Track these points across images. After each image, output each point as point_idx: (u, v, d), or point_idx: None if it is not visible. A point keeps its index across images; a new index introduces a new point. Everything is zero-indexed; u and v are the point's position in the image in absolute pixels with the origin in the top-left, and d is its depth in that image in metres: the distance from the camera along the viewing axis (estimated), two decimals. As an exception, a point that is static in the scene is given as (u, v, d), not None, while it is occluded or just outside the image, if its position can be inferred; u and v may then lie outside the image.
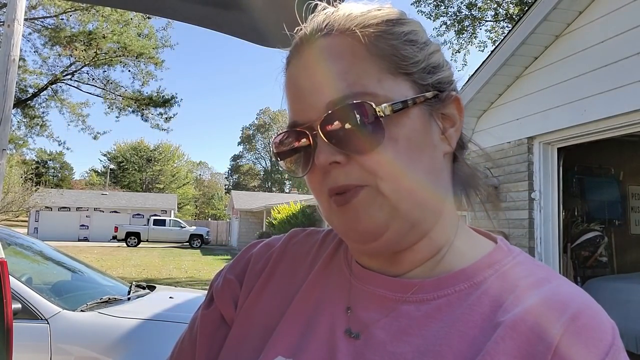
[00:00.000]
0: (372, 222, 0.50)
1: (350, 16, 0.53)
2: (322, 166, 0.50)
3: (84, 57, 17.12)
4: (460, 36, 18.89)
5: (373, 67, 0.51)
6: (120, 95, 18.55)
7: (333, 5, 0.56)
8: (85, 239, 33.21)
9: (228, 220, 38.44)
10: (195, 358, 0.62)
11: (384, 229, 0.51)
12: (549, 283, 0.50)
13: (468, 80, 5.45)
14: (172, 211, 35.86)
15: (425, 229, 0.53)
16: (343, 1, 0.57)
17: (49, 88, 17.96)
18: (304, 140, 0.52)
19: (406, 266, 0.55)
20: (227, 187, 65.66)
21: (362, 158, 0.50)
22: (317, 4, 0.56)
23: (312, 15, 0.56)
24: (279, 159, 0.57)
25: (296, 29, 0.57)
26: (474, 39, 19.15)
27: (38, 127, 18.62)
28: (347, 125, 0.49)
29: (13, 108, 3.51)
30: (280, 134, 0.55)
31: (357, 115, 0.49)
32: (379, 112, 0.49)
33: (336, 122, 0.50)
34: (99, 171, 57.79)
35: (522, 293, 0.49)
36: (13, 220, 32.63)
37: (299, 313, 0.58)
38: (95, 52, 17.06)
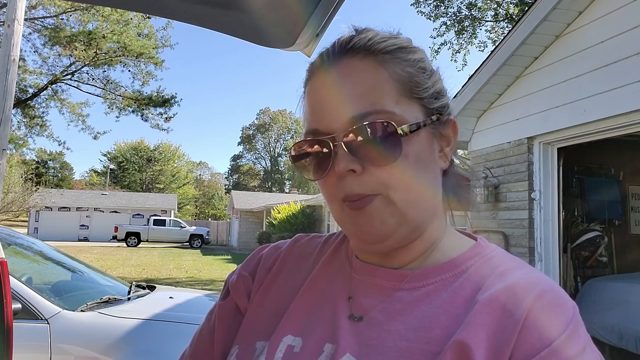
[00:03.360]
0: (382, 227, 0.58)
1: (374, 41, 0.60)
2: (340, 173, 0.56)
3: (84, 57, 17.11)
4: (460, 36, 18.89)
5: (392, 90, 0.58)
6: (120, 95, 18.55)
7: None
8: (85, 239, 33.22)
9: (228, 220, 38.44)
10: (214, 344, 0.71)
11: (391, 233, 0.58)
12: (520, 270, 0.58)
13: (468, 81, 5.45)
14: (172, 211, 35.86)
15: (422, 231, 0.62)
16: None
17: (49, 88, 17.96)
18: (323, 147, 0.59)
19: (400, 262, 0.63)
20: (227, 187, 65.64)
21: (376, 169, 0.56)
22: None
23: (341, 36, 0.62)
24: (295, 162, 0.63)
25: (320, 52, 0.63)
26: (474, 39, 19.13)
27: (38, 127, 18.61)
28: (368, 140, 0.56)
29: (13, 108, 3.51)
30: (301, 140, 0.62)
31: (379, 132, 0.56)
32: (399, 131, 0.56)
33: (358, 136, 0.56)
34: (99, 171, 57.76)
35: (497, 277, 0.57)
36: (13, 220, 32.65)
37: (305, 301, 0.66)
38: (95, 52, 17.06)
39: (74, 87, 18.87)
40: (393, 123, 0.56)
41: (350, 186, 0.57)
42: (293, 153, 0.62)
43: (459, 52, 19.18)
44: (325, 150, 0.58)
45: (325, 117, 0.58)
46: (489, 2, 18.57)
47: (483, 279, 0.57)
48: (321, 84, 0.60)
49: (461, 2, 18.41)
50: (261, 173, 65.76)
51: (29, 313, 2.91)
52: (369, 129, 0.56)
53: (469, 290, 0.57)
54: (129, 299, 3.64)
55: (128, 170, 53.50)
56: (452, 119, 0.64)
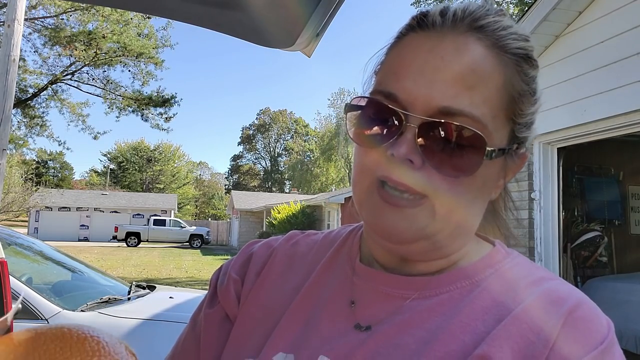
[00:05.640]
0: (407, 231, 0.50)
1: (507, 35, 0.51)
2: (396, 156, 0.48)
3: (84, 57, 17.11)
4: (460, 36, 18.89)
5: (497, 100, 0.50)
6: (120, 95, 18.54)
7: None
8: (86, 239, 33.21)
9: (228, 220, 38.43)
10: (201, 356, 0.62)
11: (413, 239, 0.51)
12: (547, 282, 0.52)
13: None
14: (172, 211, 35.86)
15: (446, 253, 0.55)
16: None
17: (49, 88, 17.95)
18: (391, 119, 0.49)
19: (418, 271, 0.56)
20: (227, 187, 65.59)
21: (437, 174, 0.48)
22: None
23: (471, 5, 0.52)
24: (348, 113, 0.54)
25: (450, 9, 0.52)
26: (474, 39, 19.13)
27: (38, 127, 18.60)
28: (448, 141, 0.48)
29: (13, 108, 3.52)
30: (369, 97, 0.52)
31: (465, 141, 0.48)
32: (486, 151, 0.48)
33: (440, 130, 0.48)
34: (99, 171, 57.77)
35: (523, 290, 0.51)
36: (13, 220, 32.62)
37: (299, 311, 0.59)
38: (95, 52, 17.05)
39: (74, 87, 18.88)
40: (485, 139, 0.47)
41: (398, 173, 0.48)
42: (352, 104, 0.53)
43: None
44: (391, 122, 0.49)
45: (412, 88, 0.48)
46: (488, 2, 18.55)
47: (506, 291, 0.52)
48: (427, 50, 0.49)
49: (461, 2, 18.41)
50: (261, 173, 65.74)
51: (29, 313, 2.91)
52: (455, 131, 0.47)
53: (489, 302, 0.51)
54: (129, 299, 3.64)
55: (128, 170, 53.49)
56: (526, 154, 0.56)
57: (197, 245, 28.99)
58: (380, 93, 0.51)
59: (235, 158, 67.47)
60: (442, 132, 0.48)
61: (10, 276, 2.67)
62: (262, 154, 65.83)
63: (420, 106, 0.48)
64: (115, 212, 34.70)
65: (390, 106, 0.49)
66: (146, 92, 18.65)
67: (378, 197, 0.50)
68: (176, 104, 18.78)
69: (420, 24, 0.52)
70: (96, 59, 17.42)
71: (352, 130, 0.53)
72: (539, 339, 0.46)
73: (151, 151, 54.16)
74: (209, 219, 49.65)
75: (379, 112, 0.50)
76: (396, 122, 0.49)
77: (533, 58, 0.53)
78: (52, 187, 38.46)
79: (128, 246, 27.36)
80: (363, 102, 0.53)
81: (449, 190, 0.49)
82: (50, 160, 59.67)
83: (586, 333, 0.47)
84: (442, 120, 0.48)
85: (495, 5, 0.54)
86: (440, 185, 0.49)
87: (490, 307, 0.51)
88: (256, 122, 65.69)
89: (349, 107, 0.54)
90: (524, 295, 0.50)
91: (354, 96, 0.54)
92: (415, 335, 0.51)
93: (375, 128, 0.51)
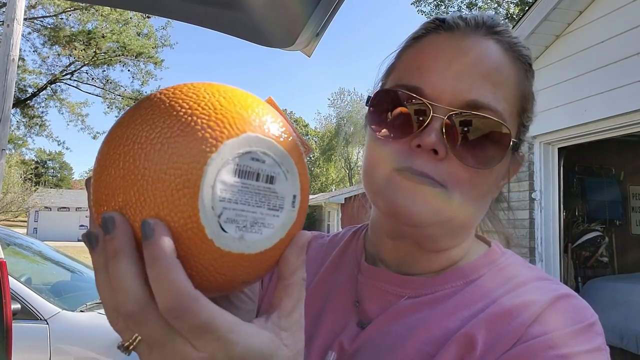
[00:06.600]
0: (423, 213, 0.51)
1: (520, 43, 0.56)
2: (424, 145, 0.49)
3: (83, 56, 17.11)
4: (460, 36, 18.91)
5: (513, 99, 0.53)
6: (119, 95, 18.55)
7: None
8: (85, 239, 33.21)
9: (228, 220, 38.42)
10: None
11: (427, 224, 0.52)
12: (538, 281, 0.54)
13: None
14: (172, 211, 35.86)
15: (448, 246, 0.57)
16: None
17: (48, 88, 17.96)
18: (418, 110, 0.50)
19: (420, 269, 0.59)
20: (226, 186, 65.66)
21: (459, 164, 0.50)
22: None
23: (487, 15, 0.57)
24: (371, 106, 0.55)
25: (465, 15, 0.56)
26: (473, 39, 19.15)
27: (37, 126, 18.62)
28: (475, 134, 0.49)
29: (12, 108, 3.52)
30: (394, 90, 0.53)
31: (491, 132, 0.50)
32: (511, 143, 0.51)
33: (467, 123, 0.49)
34: (99, 171, 57.78)
35: (513, 288, 0.53)
36: (12, 220, 32.62)
37: (309, 308, 0.61)
38: (95, 51, 17.06)
39: (73, 86, 18.90)
40: (510, 130, 0.49)
41: (421, 162, 0.50)
42: (374, 99, 0.55)
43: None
44: (416, 114, 0.50)
45: (438, 81, 0.50)
46: (489, 2, 18.57)
47: (497, 288, 0.53)
48: (453, 48, 0.52)
49: (461, 2, 18.41)
50: (261, 173, 65.73)
51: (28, 313, 2.90)
52: (483, 123, 0.49)
53: (479, 297, 0.53)
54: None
55: (128, 170, 53.50)
56: (524, 156, 0.61)
57: (196, 245, 29.01)
58: (404, 87, 0.52)
59: (235, 158, 67.51)
60: (469, 124, 0.49)
61: (9, 276, 2.66)
62: (261, 153, 65.86)
63: (447, 99, 0.50)
64: (115, 212, 34.69)
65: (418, 97, 0.50)
66: (146, 92, 18.66)
67: (399, 179, 0.51)
68: (176, 104, 18.79)
69: (441, 25, 0.55)
70: (95, 58, 17.43)
71: (373, 122, 0.55)
72: (518, 320, 0.48)
73: (151, 151, 54.21)
74: (209, 219, 49.61)
75: (404, 105, 0.52)
76: (421, 114, 0.50)
77: (533, 69, 0.58)
78: (51, 187, 38.49)
79: (128, 246, 27.35)
80: (385, 96, 0.54)
81: (467, 181, 0.50)
82: (49, 160, 59.69)
83: (566, 315, 0.48)
84: (473, 112, 0.49)
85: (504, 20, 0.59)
86: (460, 177, 0.50)
87: (479, 300, 0.53)
88: (256, 121, 65.70)
89: (371, 101, 0.55)
90: (512, 293, 0.52)
91: (376, 90, 0.56)
92: (405, 324, 0.53)
93: (398, 120, 0.52)
